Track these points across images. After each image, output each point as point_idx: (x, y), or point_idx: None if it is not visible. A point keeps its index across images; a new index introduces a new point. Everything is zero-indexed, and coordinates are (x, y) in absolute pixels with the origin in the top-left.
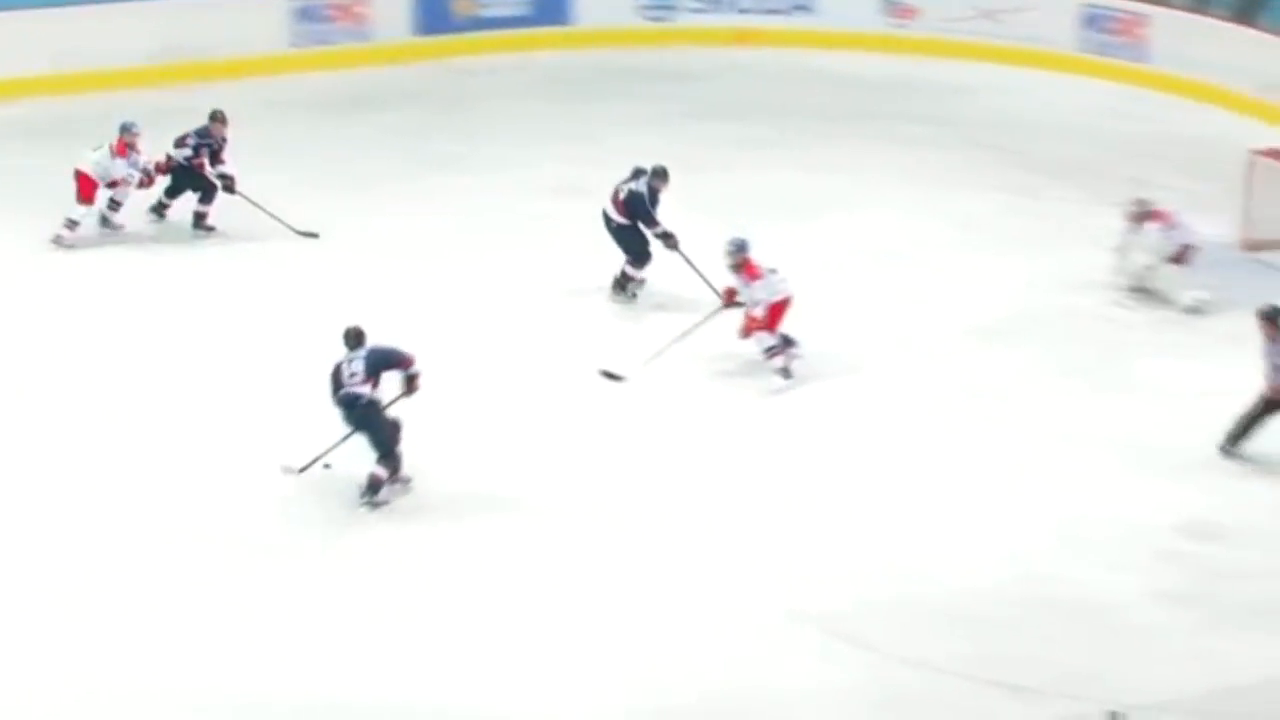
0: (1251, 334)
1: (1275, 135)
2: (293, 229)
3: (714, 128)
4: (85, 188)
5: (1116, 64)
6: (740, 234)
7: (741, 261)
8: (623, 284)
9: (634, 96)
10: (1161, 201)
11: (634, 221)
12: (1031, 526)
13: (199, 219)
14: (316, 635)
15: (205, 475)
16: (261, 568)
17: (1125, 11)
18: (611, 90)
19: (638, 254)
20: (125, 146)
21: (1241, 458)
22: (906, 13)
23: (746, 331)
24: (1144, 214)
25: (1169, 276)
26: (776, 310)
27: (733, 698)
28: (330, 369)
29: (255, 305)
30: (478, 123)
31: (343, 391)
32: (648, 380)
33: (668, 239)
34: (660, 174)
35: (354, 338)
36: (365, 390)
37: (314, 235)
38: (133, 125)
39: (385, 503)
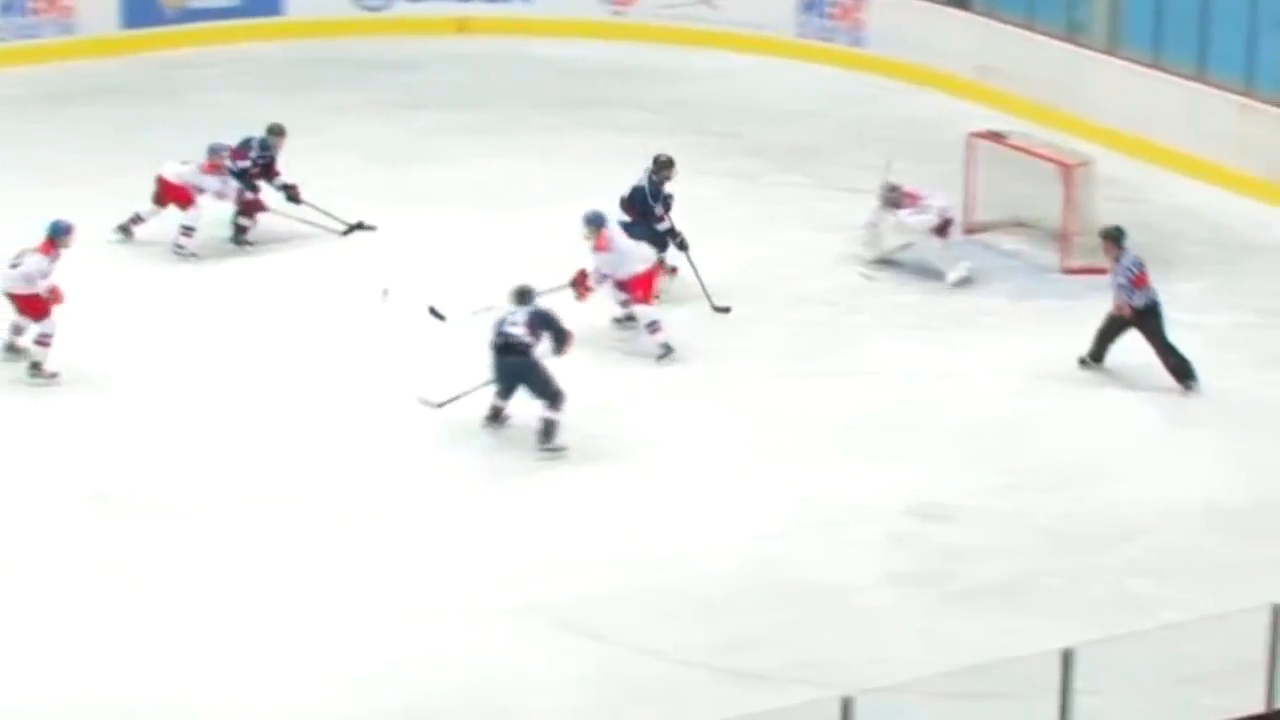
0: (975, 315)
1: (992, 117)
2: (346, 224)
3: (435, 117)
4: (180, 194)
5: (835, 48)
6: (597, 209)
7: (593, 234)
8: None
9: (352, 87)
10: (903, 182)
11: (642, 218)
12: (764, 511)
13: (240, 231)
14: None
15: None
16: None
17: None
18: (329, 81)
19: (659, 242)
20: (214, 166)
21: (1102, 370)
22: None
23: (580, 295)
24: (895, 196)
25: (936, 252)
26: (640, 283)
27: (461, 693)
28: (493, 323)
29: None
30: (195, 116)
31: (499, 335)
32: (380, 372)
33: (674, 236)
34: (665, 164)
35: (521, 295)
36: (524, 335)
37: (371, 228)
38: (223, 148)
39: (564, 448)
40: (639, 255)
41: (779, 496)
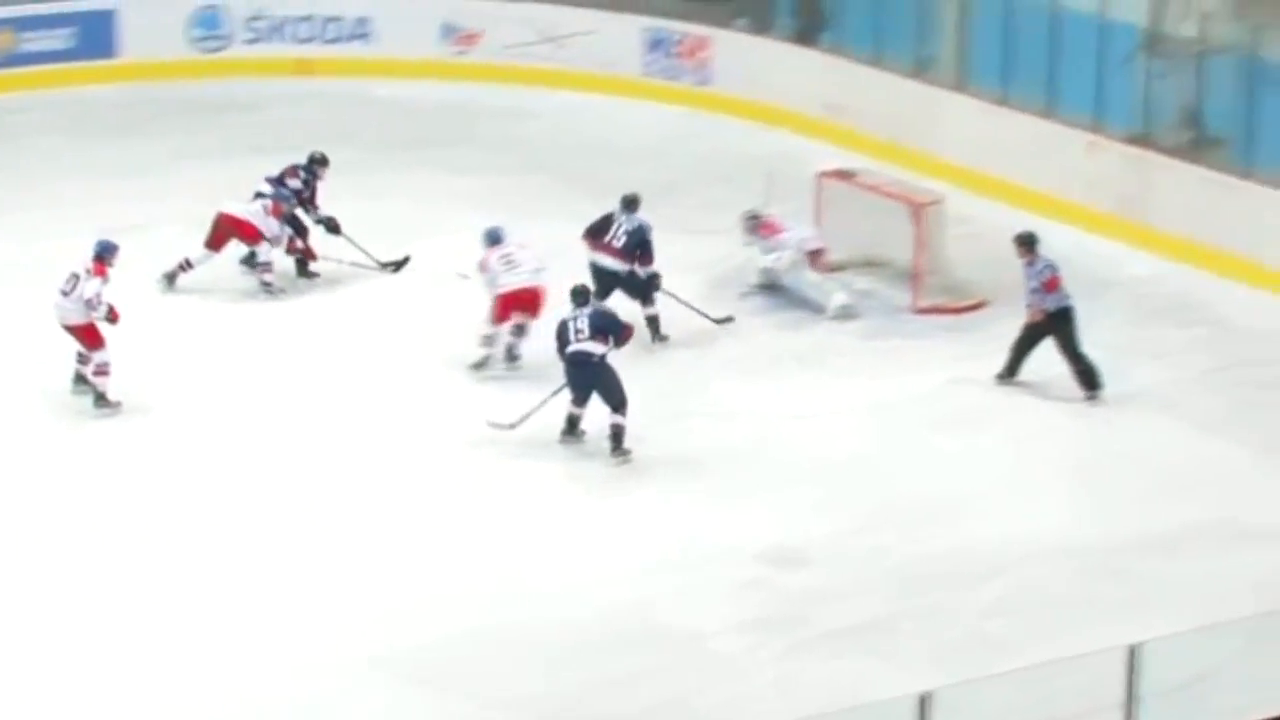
0: (826, 355)
1: (841, 155)
2: (379, 263)
3: (276, 159)
4: (249, 230)
5: (682, 87)
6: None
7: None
8: (656, 327)
9: (192, 129)
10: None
11: (633, 263)
12: (613, 557)
13: (302, 266)
14: None
15: None
16: None
17: (688, 34)
18: (167, 124)
19: (647, 292)
20: (279, 210)
21: (1020, 384)
22: (467, 39)
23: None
24: (754, 224)
25: (814, 283)
26: (505, 302)
27: None
28: (556, 326)
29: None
30: (27, 161)
31: (571, 349)
32: (199, 419)
33: (658, 278)
34: (634, 203)
35: (580, 295)
36: (594, 347)
37: (406, 261)
38: (289, 195)
39: (630, 452)
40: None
41: (632, 541)
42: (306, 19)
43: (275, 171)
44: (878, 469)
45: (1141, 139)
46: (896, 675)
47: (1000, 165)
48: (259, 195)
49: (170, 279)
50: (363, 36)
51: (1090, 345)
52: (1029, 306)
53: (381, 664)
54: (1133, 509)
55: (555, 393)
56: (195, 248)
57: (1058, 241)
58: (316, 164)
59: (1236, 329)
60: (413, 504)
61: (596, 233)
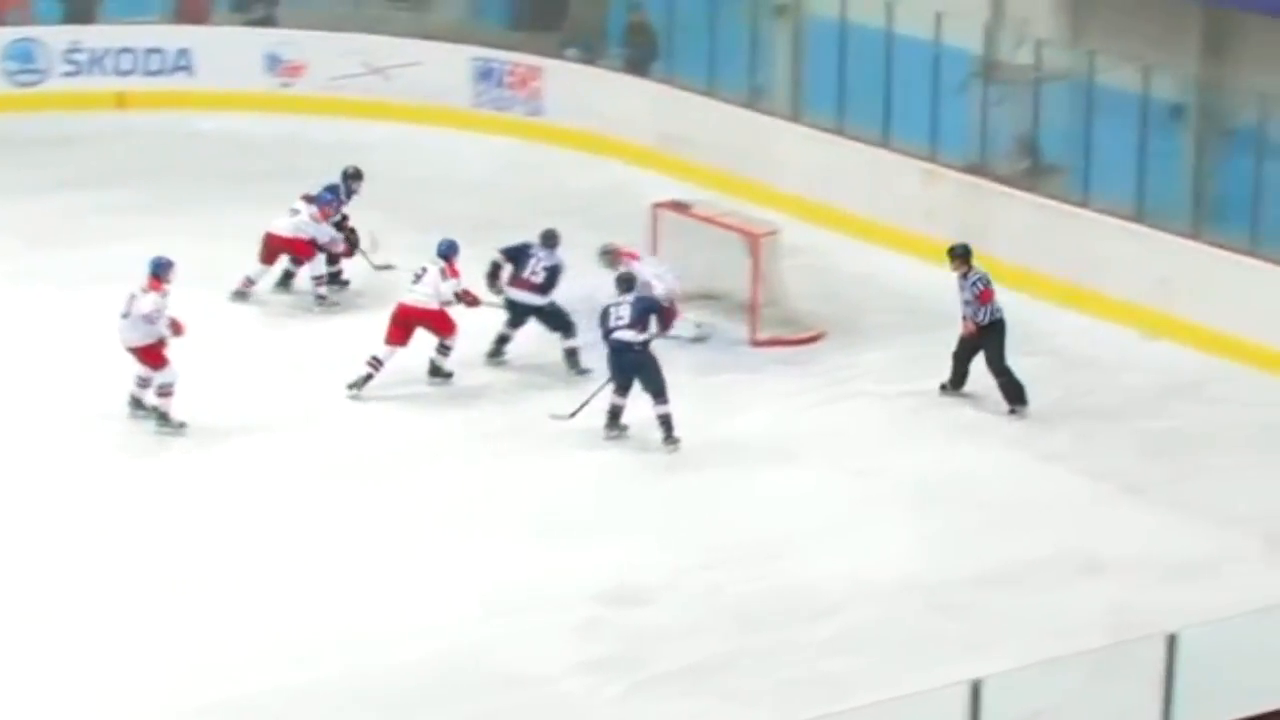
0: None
1: (676, 186)
2: (373, 265)
3: (96, 195)
4: (299, 247)
5: (512, 118)
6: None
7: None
8: (575, 359)
9: (7, 165)
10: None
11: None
12: (451, 598)
13: (335, 277)
14: None
15: None
16: None
17: (517, 65)
18: None
19: (567, 324)
20: (326, 214)
21: (962, 395)
22: (293, 70)
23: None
24: (611, 256)
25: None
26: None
27: None
28: (599, 313)
29: None
30: None
31: (613, 338)
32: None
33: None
34: (553, 238)
35: (624, 283)
36: (635, 335)
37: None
38: (330, 198)
39: (680, 440)
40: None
41: (467, 583)
42: (126, 51)
43: (301, 193)
44: (715, 505)
45: (978, 168)
46: (739, 714)
47: (837, 195)
48: (295, 212)
49: (241, 295)
50: (185, 69)
51: (928, 377)
52: (964, 319)
53: (211, 713)
54: (973, 542)
55: (606, 383)
56: (6, 290)
57: (895, 272)
58: (351, 179)
59: (1076, 359)
60: (239, 549)
61: (514, 265)
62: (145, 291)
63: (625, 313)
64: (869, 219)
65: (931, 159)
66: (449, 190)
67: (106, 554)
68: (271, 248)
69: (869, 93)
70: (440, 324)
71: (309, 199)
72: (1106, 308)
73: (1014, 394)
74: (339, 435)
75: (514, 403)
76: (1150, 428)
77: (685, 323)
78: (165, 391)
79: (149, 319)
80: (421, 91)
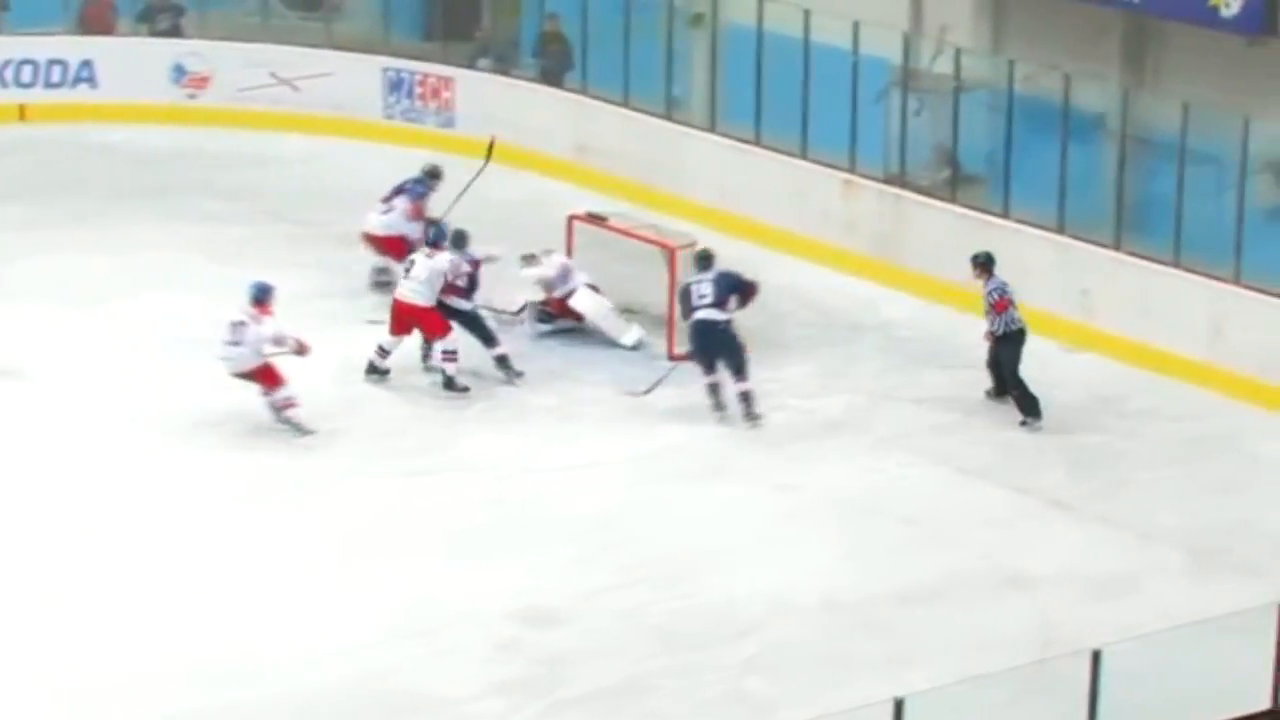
0: (578, 406)
1: (592, 198)
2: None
3: None
4: (394, 245)
5: (425, 129)
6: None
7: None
8: (507, 365)
9: None
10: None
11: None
12: (362, 619)
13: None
14: None
15: None
16: None
17: (429, 75)
18: None
19: (487, 334)
20: (418, 210)
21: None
22: (199, 82)
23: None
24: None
25: (607, 319)
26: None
27: None
28: (679, 290)
29: None
30: None
31: (696, 318)
32: None
33: None
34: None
35: (704, 261)
36: (718, 314)
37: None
38: (421, 191)
39: (762, 416)
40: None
41: (377, 603)
42: (28, 63)
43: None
44: (632, 523)
45: (897, 178)
46: None
47: (755, 206)
48: (387, 210)
49: (381, 286)
50: (88, 81)
51: (850, 391)
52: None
53: None
54: (896, 558)
55: (680, 363)
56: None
57: (813, 284)
58: (430, 177)
59: None
60: (148, 572)
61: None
62: (257, 319)
63: (708, 290)
64: (787, 230)
65: (850, 169)
66: (360, 204)
67: (12, 579)
68: (372, 246)
69: (787, 103)
70: (431, 324)
71: (399, 192)
72: (1028, 320)
73: (1027, 406)
74: (244, 457)
75: (424, 419)
76: (1074, 441)
77: (629, 328)
78: (288, 404)
79: (277, 342)
80: (331, 103)
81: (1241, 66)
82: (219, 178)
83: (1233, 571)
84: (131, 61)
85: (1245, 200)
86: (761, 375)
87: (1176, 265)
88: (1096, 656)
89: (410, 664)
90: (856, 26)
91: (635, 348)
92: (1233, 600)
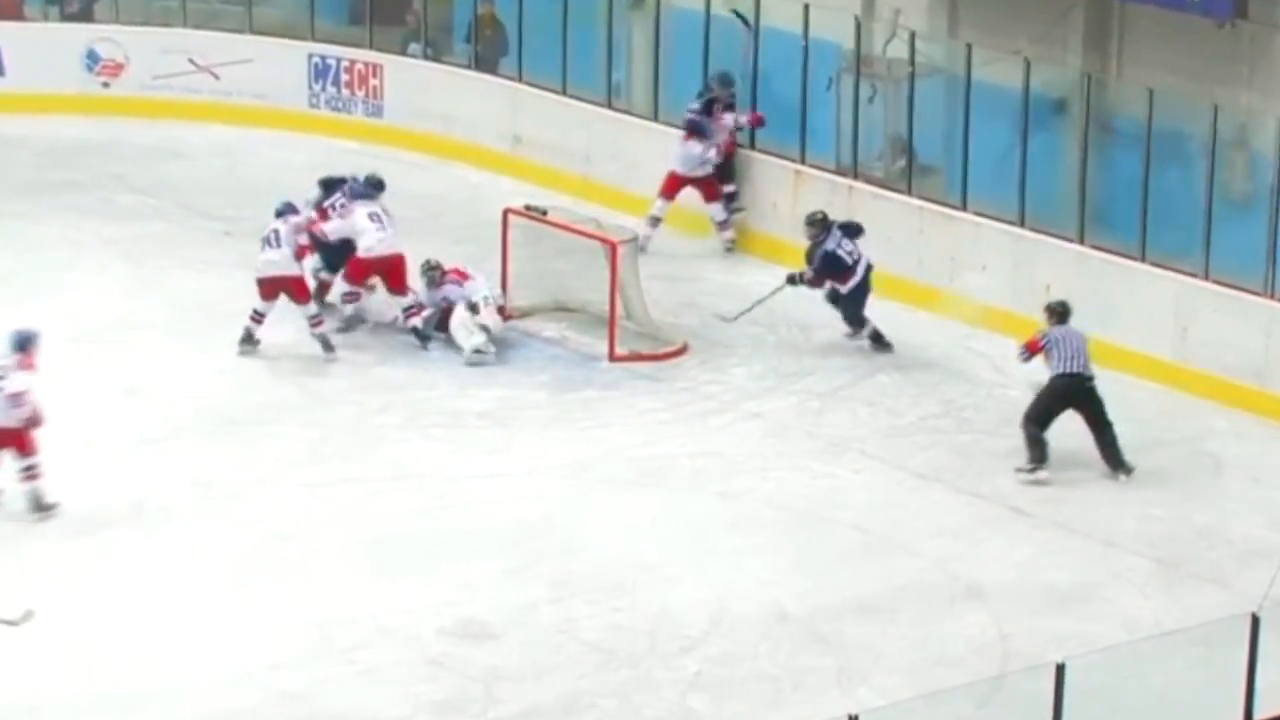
0: (513, 410)
1: (529, 191)
2: None
3: None
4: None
5: (351, 120)
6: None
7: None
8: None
9: None
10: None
11: None
12: (280, 638)
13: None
14: None
15: None
16: None
17: (356, 61)
18: None
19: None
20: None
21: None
22: (111, 69)
23: None
24: (435, 274)
25: (459, 326)
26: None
27: None
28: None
29: None
30: None
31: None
32: None
33: None
34: None
35: (851, 229)
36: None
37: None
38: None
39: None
40: None
41: (294, 621)
42: None
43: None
44: (569, 533)
45: (849, 169)
46: None
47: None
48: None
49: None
50: None
51: (799, 392)
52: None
53: None
54: (846, 568)
55: (777, 290)
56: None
57: (761, 281)
58: (374, 188)
59: (952, 372)
60: (52, 592)
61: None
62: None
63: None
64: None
65: (800, 160)
66: (282, 198)
67: None
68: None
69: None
70: (298, 290)
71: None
72: (985, 317)
73: (1115, 461)
74: (143, 464)
75: (344, 424)
76: None
77: (471, 332)
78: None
79: (16, 401)
80: (252, 91)
81: (1210, 51)
82: (134, 171)
83: (1199, 580)
84: (40, 48)
85: (1214, 191)
86: (704, 376)
87: (1142, 260)
88: (1060, 670)
89: (332, 685)
90: (807, 9)
91: (477, 359)
92: (1200, 611)
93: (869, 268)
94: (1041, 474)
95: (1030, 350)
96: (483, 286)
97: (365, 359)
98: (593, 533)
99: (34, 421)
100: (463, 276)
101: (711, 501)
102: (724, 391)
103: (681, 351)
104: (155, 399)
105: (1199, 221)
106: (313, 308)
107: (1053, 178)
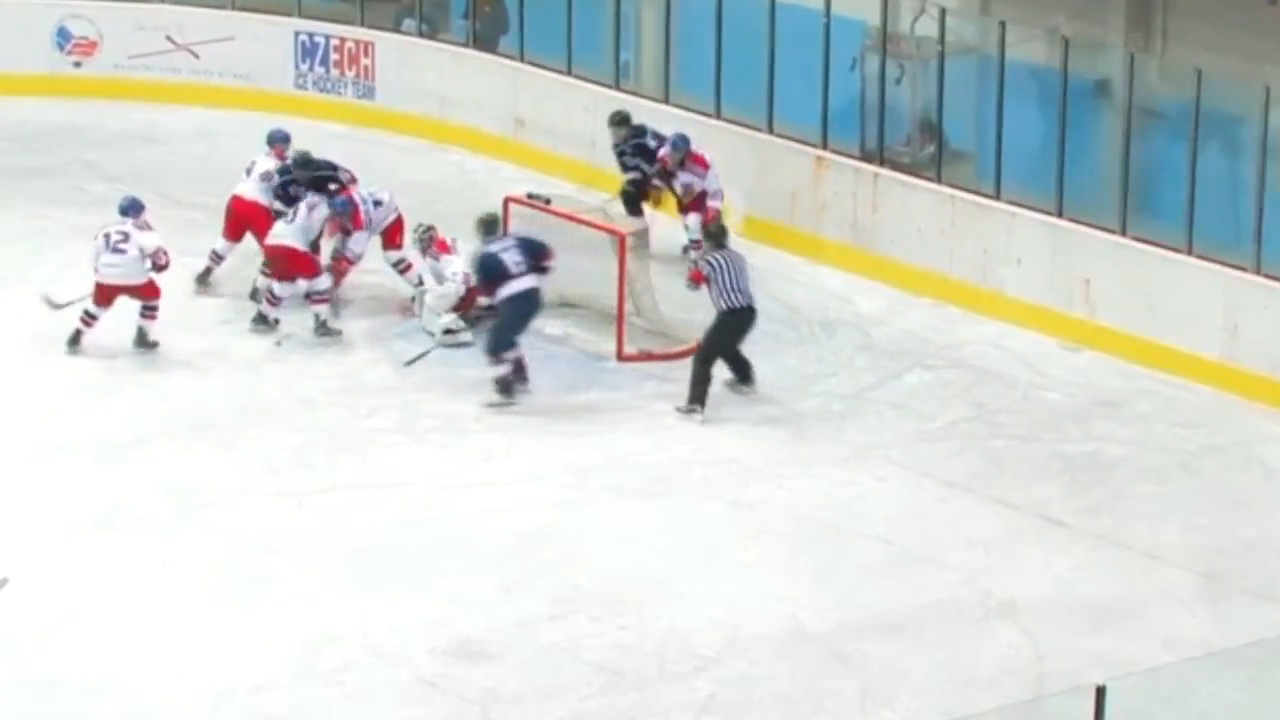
0: (513, 415)
1: (531, 178)
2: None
3: None
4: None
5: (341, 101)
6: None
7: None
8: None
9: None
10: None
11: None
12: (256, 658)
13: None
14: None
15: None
16: None
17: (346, 39)
18: None
19: None
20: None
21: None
22: (84, 48)
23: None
24: (427, 238)
25: (426, 310)
26: None
27: None
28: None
29: None
30: None
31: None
32: None
33: None
34: None
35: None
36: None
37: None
38: None
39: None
40: None
41: (280, 639)
42: None
43: None
44: (571, 545)
45: (874, 155)
46: None
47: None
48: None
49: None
50: None
51: (820, 395)
52: None
53: None
54: (867, 583)
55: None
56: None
57: (780, 274)
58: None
59: (985, 372)
60: (15, 608)
61: None
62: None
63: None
64: (750, 213)
65: (822, 145)
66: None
67: None
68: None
69: (750, 70)
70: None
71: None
72: (1019, 312)
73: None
74: (116, 470)
75: (331, 429)
76: (1070, 451)
77: (437, 314)
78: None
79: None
80: (235, 71)
81: (1261, 28)
82: (107, 157)
83: (1248, 597)
84: (7, 25)
85: (1266, 178)
86: (721, 378)
87: (1188, 252)
88: (1100, 693)
89: (318, 707)
90: None
91: (410, 362)
92: (1249, 629)
93: None
94: (697, 417)
95: (695, 280)
96: (457, 264)
97: (354, 359)
98: (597, 545)
99: (164, 268)
100: (444, 249)
101: (725, 512)
102: (738, 394)
103: (694, 350)
104: (126, 400)
105: (1249, 211)
106: (322, 282)
107: (1092, 164)
